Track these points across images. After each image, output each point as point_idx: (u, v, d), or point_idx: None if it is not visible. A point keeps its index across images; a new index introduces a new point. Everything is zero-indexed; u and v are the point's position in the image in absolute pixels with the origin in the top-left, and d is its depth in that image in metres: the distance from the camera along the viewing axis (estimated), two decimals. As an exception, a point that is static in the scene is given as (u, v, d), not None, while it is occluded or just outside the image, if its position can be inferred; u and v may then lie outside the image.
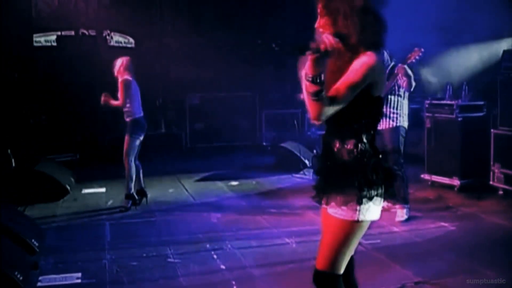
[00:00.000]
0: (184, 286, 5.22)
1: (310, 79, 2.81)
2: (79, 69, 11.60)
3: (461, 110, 8.58)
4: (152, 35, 12.86)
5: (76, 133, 11.72)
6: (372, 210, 3.04)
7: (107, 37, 12.58)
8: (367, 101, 2.97)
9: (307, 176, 10.16)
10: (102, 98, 8.08)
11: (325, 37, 2.82)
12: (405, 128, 7.20)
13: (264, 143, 13.18)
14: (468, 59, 10.01)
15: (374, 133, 3.09)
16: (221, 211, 7.89)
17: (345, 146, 3.03)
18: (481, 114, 8.75)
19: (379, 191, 3.02)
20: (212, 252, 6.11)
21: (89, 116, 11.78)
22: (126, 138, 8.07)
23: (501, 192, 8.24)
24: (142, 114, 8.24)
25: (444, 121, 8.75)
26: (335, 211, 3.05)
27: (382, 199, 3.07)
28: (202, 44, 12.55)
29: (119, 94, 7.99)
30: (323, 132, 3.23)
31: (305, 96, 3.08)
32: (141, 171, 8.33)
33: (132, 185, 8.19)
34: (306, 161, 10.50)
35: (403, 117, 7.17)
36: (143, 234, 6.88)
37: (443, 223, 7.01)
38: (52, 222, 7.40)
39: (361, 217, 3.01)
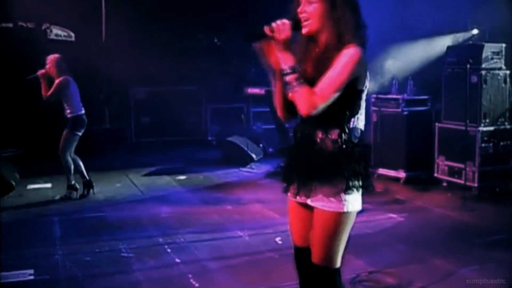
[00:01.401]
0: (140, 280, 5.19)
1: (291, 70, 2.91)
2: (20, 62, 11.31)
3: (406, 104, 8.80)
4: (93, 29, 12.64)
5: (18, 128, 11.43)
6: (357, 200, 3.04)
7: (47, 30, 12.30)
8: (351, 93, 2.98)
9: (254, 170, 10.23)
10: (39, 72, 8.10)
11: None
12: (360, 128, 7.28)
13: (210, 138, 13.18)
14: (413, 54, 10.21)
15: (359, 124, 3.12)
16: (171, 205, 7.86)
17: (329, 136, 3.02)
18: (425, 108, 8.99)
19: (364, 181, 3.03)
20: (166, 246, 6.08)
21: (31, 110, 11.50)
22: (65, 133, 8.11)
23: (445, 184, 8.49)
24: (83, 111, 8.26)
25: (390, 115, 8.96)
26: (323, 204, 3.02)
27: (364, 190, 3.07)
28: (146, 38, 12.43)
29: (51, 90, 8.04)
30: (296, 124, 3.21)
31: (277, 92, 3.15)
32: (81, 163, 8.30)
33: (72, 176, 8.23)
34: (253, 155, 10.56)
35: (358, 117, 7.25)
36: (94, 229, 6.78)
37: (391, 215, 7.17)
38: (-2, 218, 7.24)
39: (350, 208, 3.00)
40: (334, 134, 3.02)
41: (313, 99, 2.88)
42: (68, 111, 8.13)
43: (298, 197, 3.17)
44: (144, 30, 12.47)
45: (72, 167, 8.20)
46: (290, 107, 3.06)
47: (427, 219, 7.12)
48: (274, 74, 3.10)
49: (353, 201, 3.01)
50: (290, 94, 2.98)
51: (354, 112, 3.09)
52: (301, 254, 3.29)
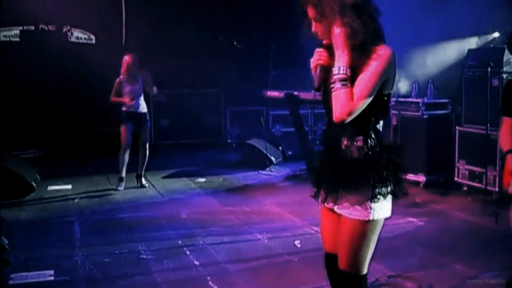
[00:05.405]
0: (159, 282, 5.21)
1: (337, 70, 2.90)
2: (41, 64, 11.43)
3: (426, 108, 8.74)
4: (114, 31, 12.70)
5: (40, 130, 11.52)
6: (385, 207, 2.98)
7: (68, 33, 12.39)
8: (376, 98, 2.91)
9: (273, 173, 10.23)
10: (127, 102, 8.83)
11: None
12: None
13: (229, 140, 13.20)
14: (434, 57, 10.16)
15: (380, 128, 3.02)
16: (190, 208, 7.88)
17: (354, 143, 2.97)
18: (446, 111, 8.94)
19: (390, 187, 2.97)
20: (185, 248, 6.10)
21: (52, 112, 11.61)
22: (147, 128, 9.21)
23: (465, 188, 8.43)
24: None
25: (410, 118, 8.90)
26: (348, 211, 2.99)
27: (393, 196, 3.00)
28: (166, 41, 12.46)
29: (151, 84, 9.09)
30: (325, 129, 3.19)
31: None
32: None
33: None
34: (272, 158, 10.55)
35: None
36: (113, 231, 6.83)
37: (411, 219, 7.13)
38: (19, 219, 7.28)
39: (375, 216, 2.95)
40: (359, 141, 2.96)
41: (350, 105, 2.83)
42: (142, 105, 8.96)
43: (326, 203, 3.16)
44: (164, 33, 12.50)
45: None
46: None
47: (447, 224, 7.07)
48: None
49: (380, 209, 2.95)
50: (332, 94, 2.92)
51: (381, 116, 3.01)
52: (330, 260, 3.27)
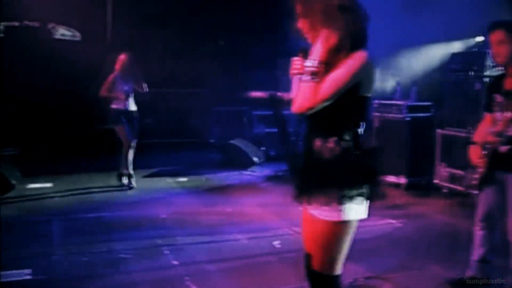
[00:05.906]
0: (137, 281, 5.17)
1: (311, 62, 2.91)
2: (26, 61, 11.35)
3: (409, 110, 8.78)
4: (99, 29, 12.64)
5: (20, 127, 11.43)
6: (356, 209, 2.96)
7: (52, 29, 12.30)
8: (351, 100, 2.92)
9: (255, 173, 10.24)
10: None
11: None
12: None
13: (212, 140, 13.18)
14: (418, 59, 10.21)
15: (358, 130, 3.01)
16: (171, 207, 7.85)
17: (326, 144, 2.96)
18: (428, 114, 8.97)
19: (361, 190, 2.95)
20: (164, 248, 6.06)
21: (33, 110, 11.53)
22: (136, 126, 9.30)
23: (445, 191, 8.47)
24: None
25: (392, 120, 8.94)
26: (319, 212, 2.98)
27: (365, 199, 2.98)
28: (150, 39, 12.42)
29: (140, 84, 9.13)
30: (305, 130, 3.18)
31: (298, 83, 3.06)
32: None
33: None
34: (255, 158, 10.55)
35: None
36: (92, 230, 6.77)
37: (390, 220, 7.15)
38: (-3, 217, 7.23)
39: (345, 217, 2.95)
40: (331, 142, 2.95)
41: (311, 100, 2.86)
42: (132, 103, 9.08)
43: (302, 204, 3.16)
44: (148, 32, 12.45)
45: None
46: None
47: (427, 225, 7.10)
48: None
49: (350, 210, 2.94)
50: (300, 85, 2.95)
51: (357, 118, 3.01)
52: (307, 259, 3.26)
